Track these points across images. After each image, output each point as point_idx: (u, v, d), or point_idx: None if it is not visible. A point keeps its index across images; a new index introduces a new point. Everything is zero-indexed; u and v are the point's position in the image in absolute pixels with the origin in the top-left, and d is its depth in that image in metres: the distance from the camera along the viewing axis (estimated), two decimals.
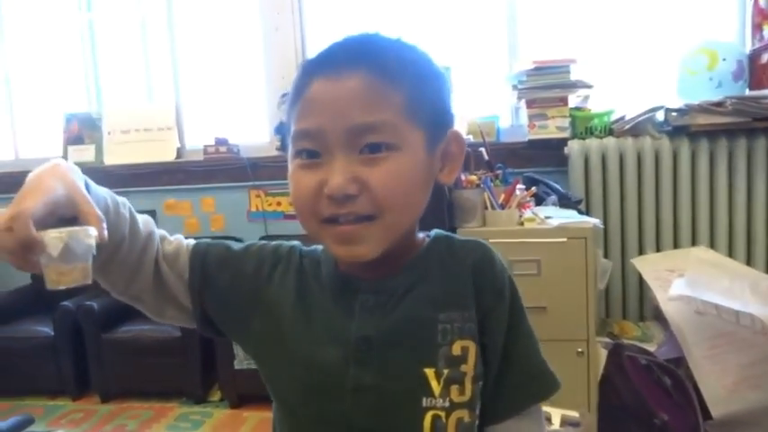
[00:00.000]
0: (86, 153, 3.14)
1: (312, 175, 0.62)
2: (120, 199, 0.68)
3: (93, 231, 0.57)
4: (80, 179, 0.62)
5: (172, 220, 3.04)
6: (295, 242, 0.76)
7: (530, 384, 0.68)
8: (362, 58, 0.62)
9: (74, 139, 3.17)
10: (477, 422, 0.67)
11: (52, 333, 2.75)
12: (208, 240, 0.75)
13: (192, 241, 0.75)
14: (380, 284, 0.67)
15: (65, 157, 3.13)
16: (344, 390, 0.65)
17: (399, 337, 0.65)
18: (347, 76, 0.61)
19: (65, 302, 2.72)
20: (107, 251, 0.61)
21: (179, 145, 3.12)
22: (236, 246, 0.75)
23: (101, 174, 3.01)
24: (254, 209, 3.01)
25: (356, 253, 0.62)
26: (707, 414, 1.82)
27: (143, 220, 0.70)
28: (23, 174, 0.60)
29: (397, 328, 0.65)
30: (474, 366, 0.65)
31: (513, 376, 0.68)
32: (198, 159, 3.00)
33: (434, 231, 0.72)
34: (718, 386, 1.80)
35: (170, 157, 3.07)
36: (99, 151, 3.13)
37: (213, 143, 2.96)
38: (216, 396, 2.74)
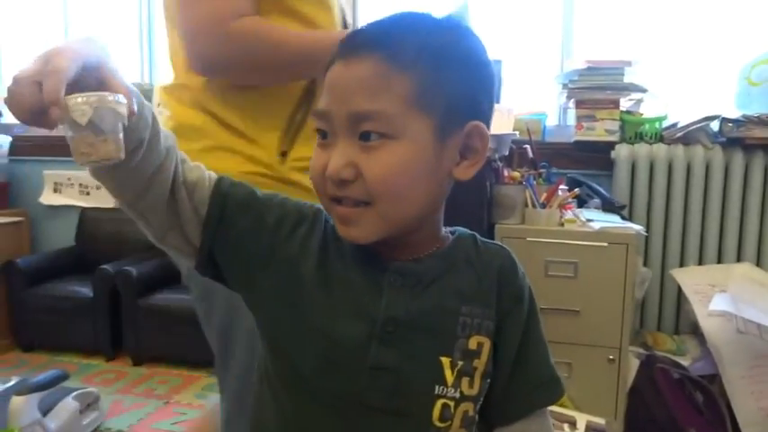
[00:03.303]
0: None
1: (322, 155, 0.63)
2: (143, 100, 0.61)
3: (123, 99, 0.52)
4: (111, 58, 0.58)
5: None
6: (320, 204, 0.71)
7: (540, 390, 0.71)
8: (379, 42, 0.61)
9: None
10: (476, 418, 0.68)
11: (91, 295, 2.84)
12: (231, 179, 0.71)
13: (213, 174, 0.70)
14: (408, 267, 0.67)
15: None
16: (363, 367, 0.64)
17: (424, 322, 0.66)
18: (360, 60, 0.61)
19: (104, 266, 2.80)
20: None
21: None
22: (260, 192, 0.71)
23: None
24: None
25: (351, 234, 0.63)
26: None
27: (164, 135, 0.64)
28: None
29: (423, 313, 0.66)
30: (485, 363, 0.67)
31: (525, 380, 0.70)
32: None
33: (457, 229, 0.73)
34: (754, 408, 1.75)
35: None
36: None
37: None
38: None
